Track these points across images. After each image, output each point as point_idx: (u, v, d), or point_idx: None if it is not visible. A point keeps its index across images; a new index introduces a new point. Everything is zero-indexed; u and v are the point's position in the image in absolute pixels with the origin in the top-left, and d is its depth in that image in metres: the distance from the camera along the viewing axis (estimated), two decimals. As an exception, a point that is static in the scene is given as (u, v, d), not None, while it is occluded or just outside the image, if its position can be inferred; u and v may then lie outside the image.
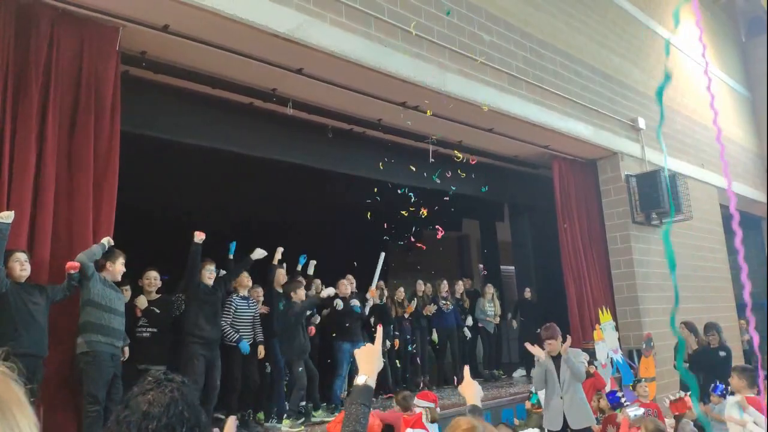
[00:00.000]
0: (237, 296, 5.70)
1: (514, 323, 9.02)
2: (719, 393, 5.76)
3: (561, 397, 4.99)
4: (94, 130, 4.22)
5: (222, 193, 7.42)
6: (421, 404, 5.06)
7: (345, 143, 6.69)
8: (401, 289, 7.81)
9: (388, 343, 7.32)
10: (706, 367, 6.86)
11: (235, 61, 4.99)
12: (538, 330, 5.43)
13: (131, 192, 6.70)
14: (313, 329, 6.33)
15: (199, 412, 1.45)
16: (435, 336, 7.98)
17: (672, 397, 5.87)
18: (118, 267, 4.38)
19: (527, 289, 9.14)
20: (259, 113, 5.87)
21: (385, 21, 5.50)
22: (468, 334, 8.18)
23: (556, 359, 5.07)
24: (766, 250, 13.20)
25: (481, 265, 8.78)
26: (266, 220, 8.03)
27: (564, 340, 5.16)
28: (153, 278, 5.16)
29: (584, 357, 6.12)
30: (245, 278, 5.73)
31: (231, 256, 5.79)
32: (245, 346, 5.43)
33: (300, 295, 5.89)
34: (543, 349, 5.15)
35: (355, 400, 1.66)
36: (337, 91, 5.70)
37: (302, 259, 6.68)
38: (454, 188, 7.01)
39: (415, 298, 7.93)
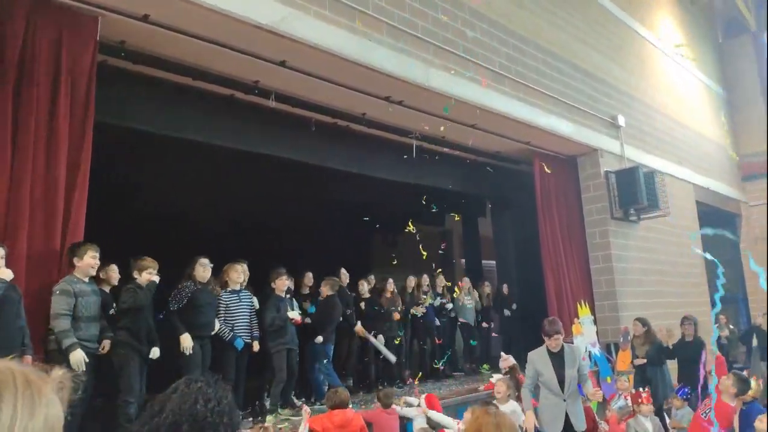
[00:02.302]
0: (226, 292, 5.62)
1: (488, 323, 9.11)
2: (683, 396, 5.86)
3: (564, 399, 4.68)
4: (69, 119, 4.13)
5: (202, 185, 7.36)
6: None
7: (328, 137, 6.66)
8: (391, 280, 7.83)
9: (381, 338, 7.35)
10: (681, 359, 7.01)
11: (217, 53, 4.94)
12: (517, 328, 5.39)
13: (109, 183, 6.67)
14: (299, 319, 6.30)
15: (203, 418, 1.48)
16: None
17: (632, 391, 5.95)
18: (86, 261, 4.24)
19: (504, 285, 9.24)
20: (241, 105, 5.82)
21: (370, 15, 5.48)
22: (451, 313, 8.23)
23: (556, 357, 4.77)
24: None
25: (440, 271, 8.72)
26: (248, 212, 8.00)
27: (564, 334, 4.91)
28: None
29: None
30: (234, 273, 5.67)
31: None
32: (240, 342, 5.39)
33: (280, 285, 5.87)
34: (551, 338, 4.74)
35: None
36: (321, 85, 5.67)
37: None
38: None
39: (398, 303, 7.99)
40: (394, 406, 5.21)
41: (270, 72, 5.35)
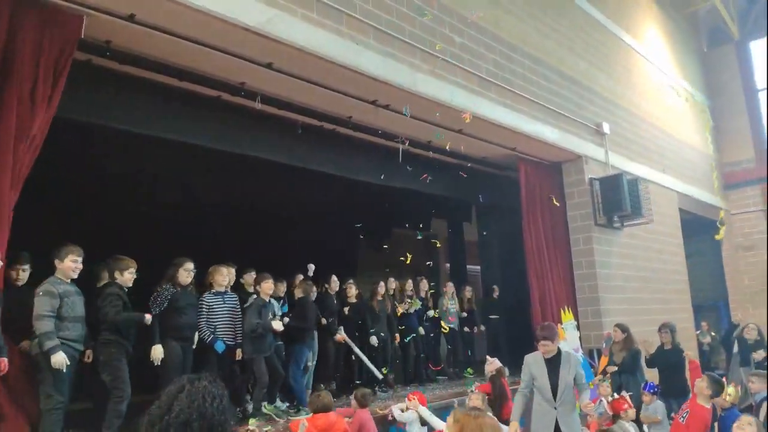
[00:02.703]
0: (210, 293, 5.60)
1: (478, 328, 9.15)
2: (650, 390, 5.92)
3: (555, 408, 4.57)
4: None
5: (188, 187, 7.33)
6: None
7: (314, 139, 6.66)
8: (382, 283, 7.85)
9: (375, 339, 7.36)
10: (662, 368, 7.05)
11: (203, 54, 4.91)
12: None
13: (92, 184, 6.62)
14: (280, 325, 6.27)
15: (213, 414, 1.57)
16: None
17: (611, 397, 5.98)
18: (66, 264, 4.24)
19: (495, 287, 9.29)
20: (227, 107, 5.79)
21: (357, 18, 5.49)
22: (422, 332, 8.17)
23: (551, 362, 4.65)
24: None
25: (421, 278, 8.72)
26: (233, 213, 7.97)
27: (557, 341, 4.73)
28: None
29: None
30: (220, 275, 5.64)
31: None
32: (220, 345, 5.35)
33: (265, 289, 5.85)
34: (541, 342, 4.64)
35: None
36: (307, 87, 5.66)
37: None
38: (439, 136, 6.98)
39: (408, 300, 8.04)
40: (390, 415, 5.21)
41: (256, 74, 5.33)
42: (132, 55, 4.88)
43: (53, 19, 4.12)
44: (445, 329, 8.46)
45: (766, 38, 12.74)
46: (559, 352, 4.72)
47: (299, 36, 4.93)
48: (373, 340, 7.38)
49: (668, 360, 6.97)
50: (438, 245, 10.72)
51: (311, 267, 7.27)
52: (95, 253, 4.76)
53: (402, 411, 5.50)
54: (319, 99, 5.99)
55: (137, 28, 4.47)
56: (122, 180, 6.80)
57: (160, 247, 5.52)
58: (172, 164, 6.63)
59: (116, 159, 6.28)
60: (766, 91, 12.78)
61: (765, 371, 5.87)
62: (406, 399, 5.64)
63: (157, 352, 4.85)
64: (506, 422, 4.87)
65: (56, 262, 4.24)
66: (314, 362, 6.75)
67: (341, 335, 6.99)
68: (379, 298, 7.70)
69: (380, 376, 7.11)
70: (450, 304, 8.76)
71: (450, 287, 8.94)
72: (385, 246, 9.52)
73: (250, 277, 6.26)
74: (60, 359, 3.99)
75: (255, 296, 5.86)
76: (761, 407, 5.51)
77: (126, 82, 5.13)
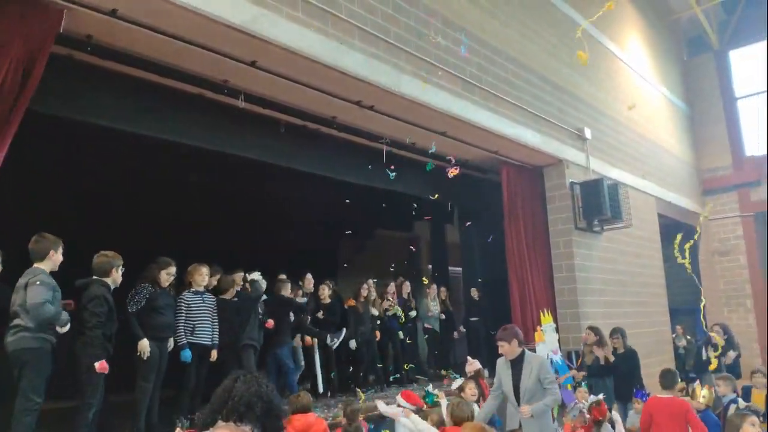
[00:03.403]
0: (189, 292, 5.56)
1: (456, 334, 9.21)
2: (640, 398, 5.98)
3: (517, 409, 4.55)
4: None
5: (168, 184, 7.26)
6: (404, 405, 5.14)
7: (298, 139, 6.64)
8: (365, 285, 7.86)
9: (353, 342, 7.36)
10: (615, 371, 7.11)
11: (186, 51, 4.87)
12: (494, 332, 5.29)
13: (71, 180, 6.53)
14: (271, 322, 6.30)
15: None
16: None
17: (590, 401, 6.02)
18: (57, 257, 4.23)
19: (473, 289, 9.34)
20: (210, 105, 5.75)
21: (342, 19, 5.49)
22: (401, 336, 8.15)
23: (515, 365, 4.60)
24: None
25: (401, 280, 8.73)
26: (214, 213, 7.91)
27: (516, 342, 4.57)
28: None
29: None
30: (199, 275, 5.60)
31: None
32: (186, 354, 5.31)
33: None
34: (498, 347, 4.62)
35: None
36: (291, 87, 5.64)
37: None
38: (434, 197, 7.11)
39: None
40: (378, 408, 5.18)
41: (240, 72, 5.30)
42: (114, 50, 4.83)
43: (32, 12, 4.05)
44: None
45: (766, 40, 12.84)
46: (522, 354, 4.61)
47: (284, 35, 4.91)
48: (352, 343, 7.37)
49: (623, 363, 7.04)
50: (413, 248, 10.74)
51: (309, 279, 7.33)
52: (73, 250, 4.69)
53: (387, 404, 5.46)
54: (303, 98, 5.98)
55: (119, 24, 4.42)
56: (101, 176, 6.72)
57: (137, 245, 5.45)
58: (153, 162, 6.57)
59: (95, 155, 6.20)
60: (766, 93, 12.88)
61: (730, 374, 5.96)
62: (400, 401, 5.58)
63: (144, 345, 4.82)
64: None
65: (51, 253, 4.16)
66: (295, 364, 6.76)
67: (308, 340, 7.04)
68: (362, 299, 7.71)
69: (321, 390, 7.05)
70: (432, 305, 8.80)
71: (433, 289, 8.98)
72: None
73: (238, 276, 6.26)
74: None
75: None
76: (729, 410, 5.62)
77: (107, 78, 5.07)
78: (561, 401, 5.69)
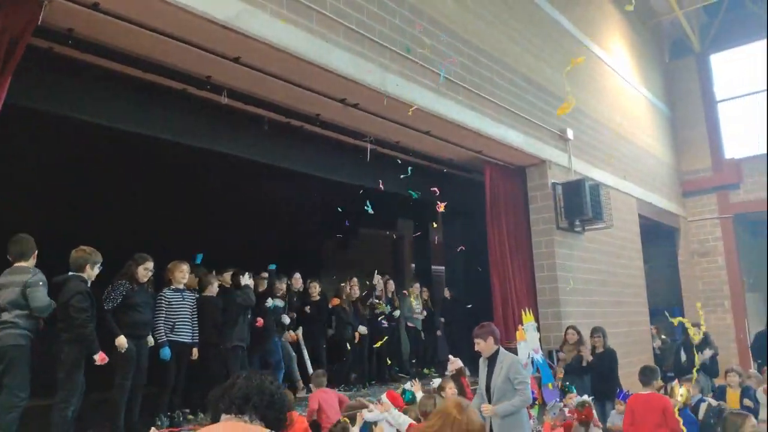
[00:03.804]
0: (169, 289, 5.52)
1: (438, 332, 9.26)
2: (623, 399, 6.05)
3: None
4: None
5: (149, 181, 7.20)
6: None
7: (281, 136, 6.62)
8: (352, 282, 7.88)
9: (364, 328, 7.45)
10: (594, 370, 7.19)
11: (169, 46, 4.82)
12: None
13: (52, 174, 6.45)
14: (261, 321, 6.32)
15: (272, 390, 1.92)
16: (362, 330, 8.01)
17: (575, 402, 6.07)
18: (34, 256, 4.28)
19: (446, 289, 9.41)
20: (193, 100, 5.71)
21: (327, 16, 5.48)
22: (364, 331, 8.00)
23: (490, 363, 4.56)
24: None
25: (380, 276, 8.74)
26: (195, 210, 7.85)
27: (492, 340, 4.51)
28: None
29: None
30: (179, 272, 5.56)
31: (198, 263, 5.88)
32: (166, 352, 5.28)
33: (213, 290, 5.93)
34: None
35: None
36: (275, 83, 5.62)
37: (198, 258, 6.40)
38: (416, 194, 7.13)
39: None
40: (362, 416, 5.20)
41: (223, 68, 5.27)
42: (95, 44, 4.77)
43: (10, 2, 3.98)
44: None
45: (766, 39, 12.97)
46: (497, 352, 4.56)
47: (268, 32, 4.89)
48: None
49: (601, 363, 7.12)
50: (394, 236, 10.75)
51: (297, 278, 7.29)
52: (51, 245, 4.63)
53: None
54: (287, 95, 5.96)
55: (101, 17, 4.36)
56: (80, 171, 6.64)
57: (117, 242, 5.39)
58: (135, 157, 6.51)
59: (76, 149, 6.14)
60: (766, 92, 13.05)
61: (694, 375, 6.05)
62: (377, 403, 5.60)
63: (122, 341, 4.78)
64: None
65: (34, 254, 4.25)
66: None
67: (294, 334, 7.04)
68: (344, 297, 7.72)
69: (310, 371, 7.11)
70: (415, 304, 8.84)
71: (416, 288, 9.03)
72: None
73: (227, 275, 6.29)
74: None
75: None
76: (699, 409, 5.73)
77: (88, 72, 5.01)
78: (538, 401, 5.74)
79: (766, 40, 12.93)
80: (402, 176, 6.70)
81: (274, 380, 1.99)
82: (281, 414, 1.95)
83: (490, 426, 4.47)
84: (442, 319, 9.23)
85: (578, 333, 7.35)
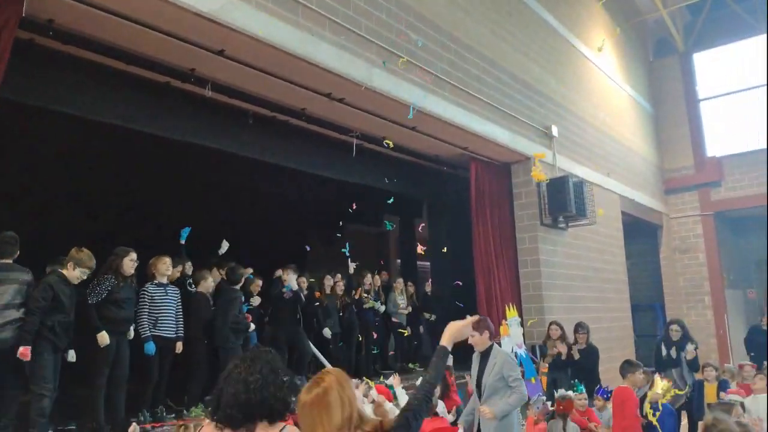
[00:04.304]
0: (152, 284, 5.46)
1: (422, 328, 9.29)
2: (603, 395, 6.11)
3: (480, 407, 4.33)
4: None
5: (132, 174, 7.12)
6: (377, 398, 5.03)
7: (266, 131, 6.58)
8: (332, 276, 7.87)
9: (328, 332, 7.37)
10: (576, 365, 7.22)
11: (153, 38, 4.78)
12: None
13: (30, 167, 6.36)
14: (249, 316, 6.33)
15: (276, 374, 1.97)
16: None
17: (557, 395, 6.12)
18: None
19: (427, 284, 9.44)
20: (176, 93, 5.66)
21: (313, 10, 5.45)
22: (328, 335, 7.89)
23: (483, 359, 4.47)
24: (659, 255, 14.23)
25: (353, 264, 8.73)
26: (179, 204, 7.79)
27: (488, 335, 4.41)
28: None
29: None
30: (163, 265, 5.51)
31: (182, 242, 5.89)
32: (150, 347, 5.23)
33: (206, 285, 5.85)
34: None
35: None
36: (260, 77, 5.58)
37: (184, 233, 6.25)
38: (390, 226, 7.12)
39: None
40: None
41: (208, 61, 5.22)
42: (77, 36, 4.72)
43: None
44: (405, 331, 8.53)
45: (766, 33, 13.04)
46: (490, 348, 4.49)
47: (253, 24, 4.85)
48: (326, 332, 7.41)
49: (585, 358, 7.12)
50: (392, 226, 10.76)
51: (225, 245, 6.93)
52: (28, 240, 4.59)
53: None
54: (272, 89, 5.92)
55: (82, 8, 4.31)
56: (62, 164, 6.56)
57: (98, 236, 5.34)
58: (117, 151, 6.44)
59: (57, 142, 6.06)
60: (766, 87, 13.15)
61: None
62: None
63: (104, 338, 4.74)
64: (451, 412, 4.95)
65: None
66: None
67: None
68: (327, 291, 7.72)
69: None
70: (400, 299, 8.87)
71: (400, 283, 9.04)
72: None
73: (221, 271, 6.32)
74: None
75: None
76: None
77: (70, 64, 4.96)
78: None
79: (766, 35, 12.99)
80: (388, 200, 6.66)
81: (264, 369, 1.98)
82: (283, 403, 1.98)
83: (478, 425, 4.40)
84: (432, 316, 9.23)
85: (561, 328, 7.41)
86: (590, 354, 7.23)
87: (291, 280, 6.93)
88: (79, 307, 4.78)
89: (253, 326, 6.32)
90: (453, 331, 2.33)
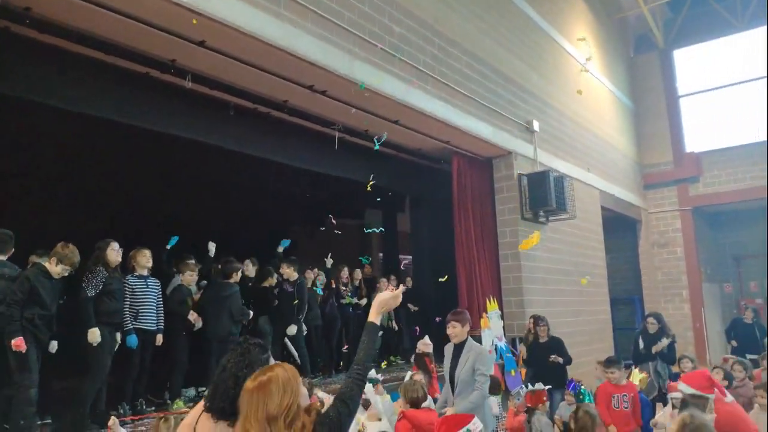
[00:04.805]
0: (132, 276, 5.43)
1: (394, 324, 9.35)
2: (573, 390, 6.19)
3: (453, 402, 4.29)
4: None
5: (111, 166, 7.04)
6: None
7: (247, 122, 6.54)
8: (313, 271, 7.89)
9: (293, 329, 7.34)
10: (538, 361, 7.28)
11: (132, 28, 4.71)
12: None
13: (7, 159, 6.25)
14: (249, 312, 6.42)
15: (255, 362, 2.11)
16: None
17: (528, 389, 6.19)
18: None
19: (408, 278, 9.50)
20: (156, 84, 5.60)
21: (295, 0, 5.41)
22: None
23: (456, 351, 4.43)
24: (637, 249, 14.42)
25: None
26: (159, 196, 7.73)
27: (468, 327, 4.39)
28: None
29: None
30: (143, 257, 5.48)
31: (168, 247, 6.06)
32: (132, 340, 5.21)
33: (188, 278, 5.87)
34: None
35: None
36: (241, 68, 5.53)
37: (172, 241, 6.38)
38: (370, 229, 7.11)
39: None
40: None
41: (188, 51, 5.16)
42: (54, 24, 4.64)
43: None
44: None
45: (766, 26, 13.09)
46: (465, 341, 4.44)
47: (234, 15, 4.81)
48: (291, 329, 7.38)
49: (548, 352, 7.09)
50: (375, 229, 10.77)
51: (212, 246, 6.96)
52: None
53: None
54: (253, 81, 5.88)
55: (60, -4, 4.24)
56: (35, 155, 6.46)
57: (78, 228, 5.29)
58: (95, 142, 6.36)
59: (30, 132, 5.96)
60: (766, 79, 13.29)
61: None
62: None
63: (95, 335, 4.73)
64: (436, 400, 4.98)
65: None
66: None
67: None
68: (309, 284, 7.71)
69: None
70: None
71: (383, 283, 9.10)
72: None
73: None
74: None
75: None
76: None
77: (47, 53, 4.88)
78: (502, 388, 5.81)
79: (766, 28, 13.12)
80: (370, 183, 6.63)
81: (240, 356, 2.15)
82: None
83: None
84: (414, 308, 9.27)
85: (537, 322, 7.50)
86: (555, 346, 7.17)
87: (291, 274, 7.03)
88: (72, 303, 4.76)
89: (251, 313, 6.40)
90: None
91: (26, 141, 6.12)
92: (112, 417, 4.17)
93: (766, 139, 12.75)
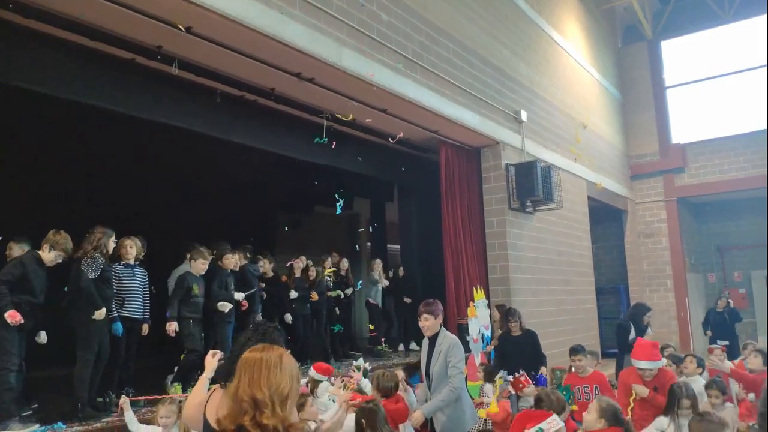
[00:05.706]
0: (119, 265, 5.41)
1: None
2: (544, 384, 6.22)
3: (428, 398, 4.12)
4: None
5: (93, 153, 6.98)
6: (317, 376, 4.87)
7: (235, 110, 6.50)
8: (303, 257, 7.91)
9: (288, 317, 7.38)
10: (510, 354, 7.16)
11: (118, 13, 4.65)
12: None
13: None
14: (245, 303, 6.45)
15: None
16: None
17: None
18: None
19: (401, 268, 9.55)
20: (142, 71, 5.54)
21: (283, -12, 5.38)
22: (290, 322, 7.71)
23: (431, 344, 4.22)
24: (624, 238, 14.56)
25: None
26: (145, 183, 7.68)
27: (441, 319, 4.17)
28: None
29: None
30: (129, 245, 5.46)
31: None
32: (118, 327, 5.20)
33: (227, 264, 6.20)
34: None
35: None
36: (228, 55, 5.49)
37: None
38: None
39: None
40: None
41: (175, 37, 5.10)
42: (38, 8, 4.57)
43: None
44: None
45: (766, 15, 13.06)
46: (437, 333, 4.21)
47: (221, 1, 4.77)
48: (288, 317, 7.41)
49: (523, 345, 6.48)
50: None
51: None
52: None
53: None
54: (240, 68, 5.84)
55: (43, -20, 4.18)
56: (20, 143, 6.39)
57: (64, 216, 5.25)
58: (81, 129, 6.29)
59: (16, 120, 5.89)
60: (766, 69, 13.35)
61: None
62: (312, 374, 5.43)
63: (102, 314, 4.77)
64: None
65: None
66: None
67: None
68: (297, 274, 7.72)
69: None
70: (381, 279, 9.02)
71: (378, 264, 9.17)
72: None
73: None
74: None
75: None
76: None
77: (31, 38, 4.81)
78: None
79: (766, 16, 13.19)
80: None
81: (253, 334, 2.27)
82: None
83: (431, 425, 4.18)
84: (409, 300, 9.31)
85: (500, 311, 7.59)
86: (529, 340, 6.58)
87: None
88: (60, 293, 4.74)
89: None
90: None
91: (7, 126, 6.04)
92: (123, 396, 4.22)
93: (766, 129, 12.72)
